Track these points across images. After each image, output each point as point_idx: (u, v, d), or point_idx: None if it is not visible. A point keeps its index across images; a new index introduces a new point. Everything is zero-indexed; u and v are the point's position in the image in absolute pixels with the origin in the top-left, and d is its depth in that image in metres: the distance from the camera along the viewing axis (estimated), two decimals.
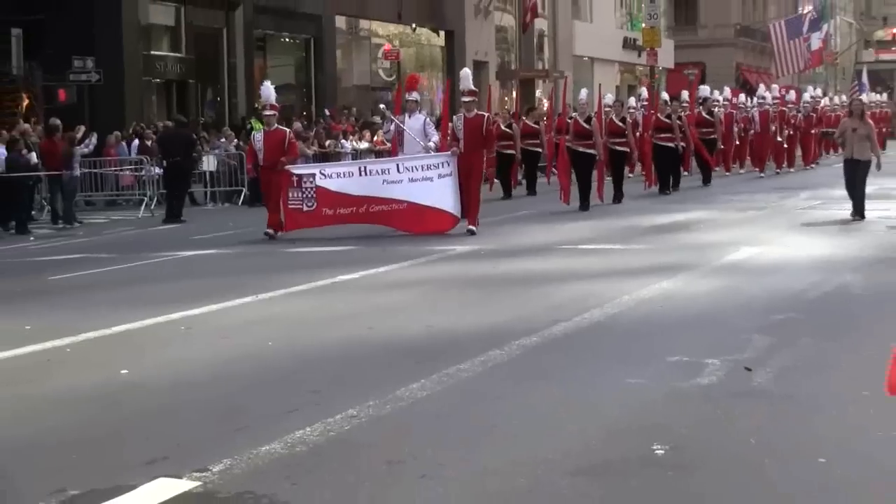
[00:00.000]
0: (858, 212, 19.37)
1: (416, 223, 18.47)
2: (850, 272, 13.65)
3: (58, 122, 25.35)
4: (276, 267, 15.35)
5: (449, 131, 19.92)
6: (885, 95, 56.89)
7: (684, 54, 65.36)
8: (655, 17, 57.07)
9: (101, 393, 8.43)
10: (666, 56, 61.20)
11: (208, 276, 14.90)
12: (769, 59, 70.22)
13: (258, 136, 19.69)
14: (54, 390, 8.57)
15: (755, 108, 35.82)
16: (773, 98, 36.84)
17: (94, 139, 26.79)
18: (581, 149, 23.36)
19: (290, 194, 18.66)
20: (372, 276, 14.33)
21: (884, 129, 47.61)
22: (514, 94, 46.75)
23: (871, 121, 20.84)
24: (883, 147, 46.07)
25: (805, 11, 72.64)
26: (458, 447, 6.86)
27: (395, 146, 20.56)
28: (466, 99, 19.31)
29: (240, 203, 27.99)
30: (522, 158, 29.12)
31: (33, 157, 24.30)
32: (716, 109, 33.17)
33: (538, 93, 48.92)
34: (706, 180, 30.48)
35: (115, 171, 28.26)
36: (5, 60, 30.17)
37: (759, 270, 14.10)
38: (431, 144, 19.18)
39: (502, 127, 28.49)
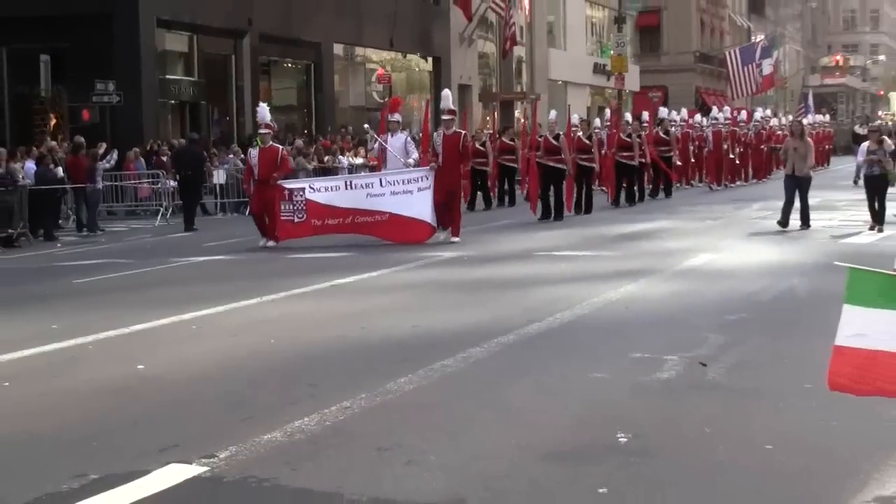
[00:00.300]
0: (805, 222, 19.50)
1: (396, 233, 18.34)
2: (797, 276, 13.69)
3: (82, 140, 25.30)
4: (279, 272, 15.33)
5: (429, 148, 19.97)
6: (827, 116, 56.80)
7: (649, 78, 65.44)
8: (623, 45, 57.12)
9: (120, 386, 8.42)
10: (632, 80, 61.23)
11: (217, 280, 14.87)
12: (725, 83, 70.31)
13: (254, 153, 19.55)
14: (77, 384, 8.56)
15: (709, 128, 35.66)
16: (726, 118, 36.69)
17: (114, 155, 26.75)
18: (551, 163, 23.30)
19: (282, 207, 18.60)
20: (365, 280, 14.32)
21: (827, 147, 47.69)
22: (496, 114, 46.73)
23: (810, 140, 20.99)
24: (826, 163, 46.23)
25: (757, 40, 72.80)
26: (441, 435, 6.86)
27: (381, 162, 20.42)
28: (446, 117, 19.22)
29: (247, 213, 27.87)
30: (500, 173, 28.96)
31: (59, 171, 24.25)
32: (672, 129, 32.95)
33: (517, 113, 48.93)
34: (668, 193, 30.39)
35: (134, 183, 28.21)
36: (35, 84, 30.12)
37: (715, 275, 14.12)
38: (411, 161, 19.05)
39: (476, 145, 28.18)
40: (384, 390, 7.93)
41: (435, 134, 19.57)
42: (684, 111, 37.84)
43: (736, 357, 9.03)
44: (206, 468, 6.24)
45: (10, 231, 21.87)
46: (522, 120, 33.37)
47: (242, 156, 29.23)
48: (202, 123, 33.80)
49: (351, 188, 18.85)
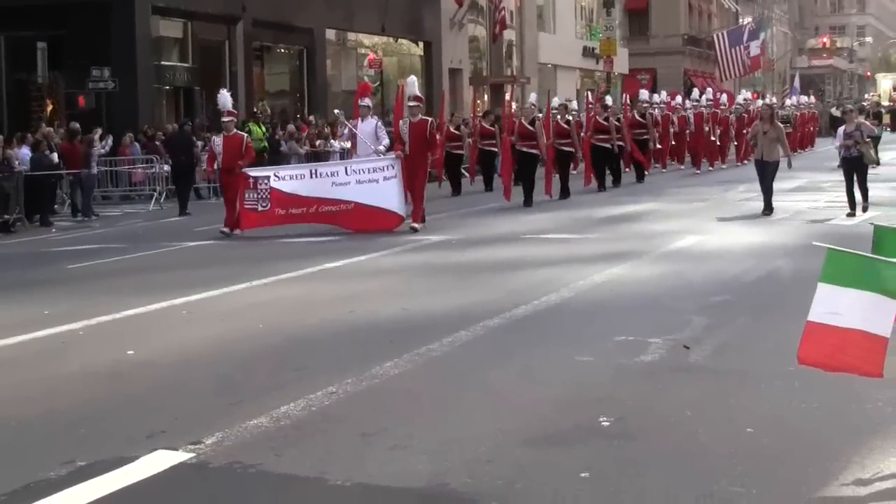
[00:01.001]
0: (767, 207, 18.99)
1: (362, 222, 17.77)
2: (782, 258, 13.64)
3: (77, 126, 25.19)
4: (269, 256, 15.26)
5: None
6: (813, 98, 56.53)
7: (638, 61, 65.26)
8: (612, 29, 57.02)
9: (110, 372, 8.38)
10: (621, 63, 61.09)
11: (209, 265, 14.80)
12: (713, 65, 70.23)
13: (217, 141, 18.85)
14: (68, 370, 8.52)
15: (690, 110, 34.87)
16: (708, 100, 36.14)
17: (109, 140, 26.65)
18: (525, 149, 22.67)
19: (246, 195, 17.99)
20: (354, 265, 14.26)
21: (812, 129, 47.48)
22: (486, 97, 46.59)
23: (780, 124, 20.28)
24: (812, 144, 46.10)
25: (745, 22, 72.67)
26: (426, 420, 6.83)
27: (352, 148, 19.77)
28: (412, 104, 18.56)
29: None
30: (480, 157, 28.21)
31: (55, 157, 24.13)
32: (654, 111, 32.36)
33: (507, 96, 48.82)
34: (639, 178, 29.34)
35: (129, 168, 28.09)
36: (32, 70, 29.99)
37: (700, 257, 14.07)
38: (382, 147, 18.30)
39: (451, 129, 27.90)
40: (370, 374, 7.90)
41: (401, 122, 18.82)
42: (664, 93, 37.31)
43: (719, 339, 9.00)
44: (192, 454, 6.21)
45: (6, 217, 21.79)
46: (513, 104, 32.92)
47: None
48: (196, 109, 33.65)
49: (316, 177, 18.25)
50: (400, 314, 10.35)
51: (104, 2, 30.00)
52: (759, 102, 43.81)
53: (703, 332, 9.20)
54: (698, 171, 32.34)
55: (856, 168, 18.40)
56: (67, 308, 11.28)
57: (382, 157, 18.13)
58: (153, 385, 7.94)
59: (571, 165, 25.45)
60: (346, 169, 18.33)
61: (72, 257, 16.07)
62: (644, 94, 35.34)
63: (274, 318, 10.41)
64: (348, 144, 21.31)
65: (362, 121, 18.69)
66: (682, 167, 34.27)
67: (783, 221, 17.92)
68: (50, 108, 31.20)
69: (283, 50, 38.92)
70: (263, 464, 6.03)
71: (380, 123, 18.93)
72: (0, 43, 31.59)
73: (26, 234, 21.15)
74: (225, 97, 19.37)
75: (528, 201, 22.15)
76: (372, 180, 17.90)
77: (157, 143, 28.31)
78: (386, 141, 18.40)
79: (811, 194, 22.64)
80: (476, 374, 8.00)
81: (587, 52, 58.59)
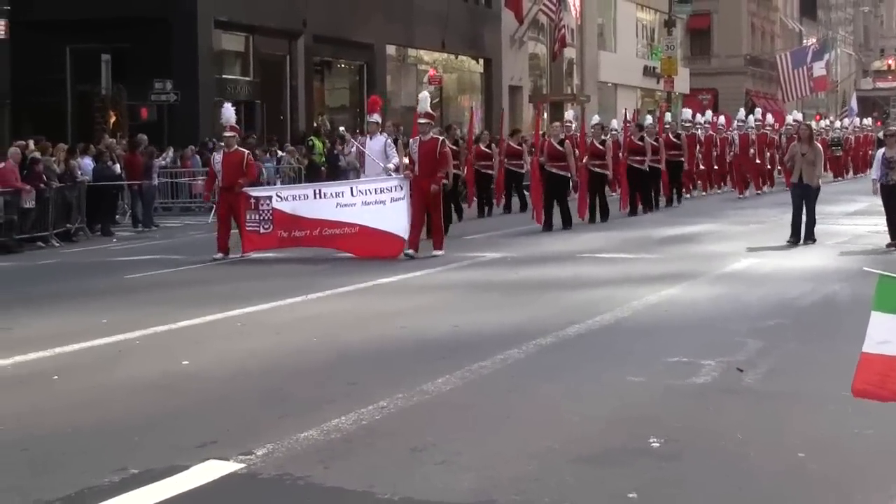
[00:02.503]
0: (809, 237, 17.77)
1: (365, 248, 16.63)
2: (838, 282, 13.53)
3: (144, 137, 25.56)
4: (324, 270, 15.35)
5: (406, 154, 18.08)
6: (869, 120, 55.03)
7: (699, 81, 65.03)
8: (673, 48, 56.83)
9: (164, 382, 8.49)
10: (682, 82, 60.88)
11: (265, 277, 14.92)
12: (776, 85, 69.78)
13: (217, 157, 17.75)
14: (123, 378, 8.64)
15: (735, 131, 33.30)
16: (756, 121, 34.67)
17: (170, 153, 26.99)
18: (554, 170, 21.47)
19: (248, 216, 17.10)
20: (408, 280, 14.32)
21: (869, 151, 46.81)
22: (546, 115, 46.62)
23: (819, 145, 19.13)
24: (869, 167, 45.29)
25: (809, 43, 72.15)
26: (474, 436, 6.85)
27: (361, 167, 18.69)
28: (423, 121, 17.42)
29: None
30: (506, 178, 27.09)
31: (117, 168, 24.48)
32: (697, 132, 31.21)
33: (567, 114, 48.79)
34: (668, 201, 28.00)
35: (189, 180, 28.40)
36: (96, 82, 30.43)
37: (756, 279, 14.00)
38: (391, 166, 17.17)
39: (482, 147, 26.93)
40: (421, 390, 7.94)
41: (411, 140, 17.72)
42: (709, 113, 35.87)
43: (772, 362, 8.95)
44: (242, 465, 6.27)
45: (68, 226, 22.12)
46: (573, 122, 32.26)
47: (297, 155, 29.42)
48: (257, 123, 33.98)
49: (320, 197, 17.17)
50: (452, 331, 10.39)
51: (167, 16, 30.42)
52: (813, 124, 42.95)
53: (756, 355, 9.15)
54: (742, 196, 31.14)
55: (894, 197, 16.95)
56: (125, 317, 11.43)
57: (390, 177, 17.10)
58: (206, 395, 8.03)
59: (608, 188, 24.60)
60: (351, 189, 17.35)
61: (131, 267, 16.27)
62: (686, 113, 34.29)
63: (327, 332, 10.49)
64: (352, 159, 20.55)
65: (371, 138, 17.78)
66: (720, 191, 32.99)
67: (841, 245, 17.75)
68: (113, 119, 31.62)
69: (343, 65, 39.22)
70: (312, 476, 6.08)
71: (389, 141, 17.91)
72: (66, 55, 32.13)
73: (88, 244, 21.44)
74: (229, 111, 18.33)
75: (566, 224, 21.40)
76: (379, 202, 16.88)
77: None
78: (395, 159, 17.39)
79: (871, 218, 22.35)
80: (526, 391, 8.03)
81: (648, 72, 58.47)
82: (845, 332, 10.26)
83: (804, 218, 17.77)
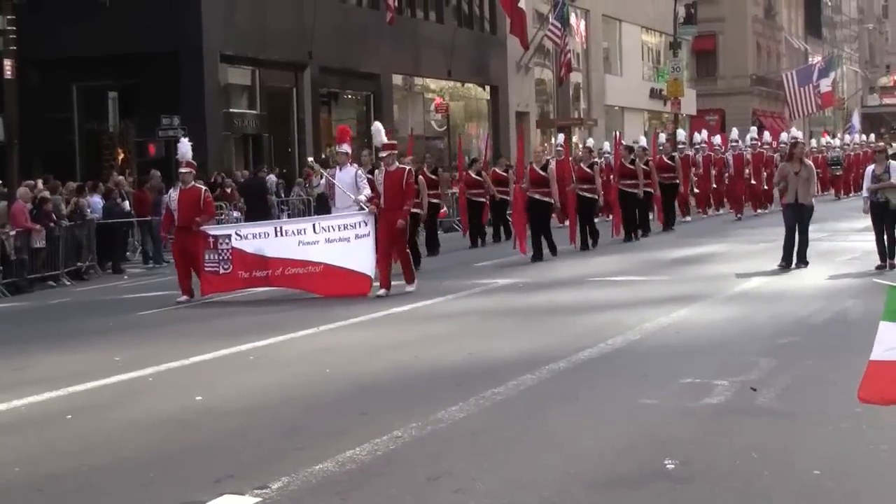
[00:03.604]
0: (802, 259, 16.81)
1: (330, 286, 15.81)
2: (850, 299, 13.53)
3: (157, 173, 25.68)
4: (336, 301, 15.31)
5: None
6: (871, 136, 54.30)
7: (706, 102, 65.13)
8: (679, 70, 56.91)
9: (178, 417, 8.52)
10: (689, 104, 60.95)
11: (276, 310, 14.96)
12: (783, 104, 69.84)
13: (173, 195, 16.93)
14: (137, 416, 8.67)
15: (729, 152, 32.13)
16: (752, 139, 33.17)
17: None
18: (537, 196, 20.30)
19: (207, 256, 16.18)
20: (421, 308, 14.35)
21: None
22: (553, 140, 46.66)
23: (811, 163, 18.12)
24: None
25: (815, 61, 72.24)
26: (490, 463, 6.87)
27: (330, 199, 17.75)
28: (384, 154, 16.37)
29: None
30: (492, 206, 25.93)
31: (126, 205, 24.60)
32: (690, 152, 30.33)
33: (574, 139, 48.90)
34: (665, 226, 26.90)
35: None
36: (103, 120, 30.59)
37: (767, 298, 14.01)
38: (363, 198, 16.20)
39: (472, 175, 25.88)
40: (435, 418, 7.96)
41: (376, 172, 16.84)
42: (704, 133, 34.71)
43: (786, 381, 8.96)
44: (258, 499, 6.29)
45: (79, 264, 22.21)
46: (580, 146, 32.01)
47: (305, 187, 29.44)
48: (265, 156, 34.10)
49: (281, 235, 16.34)
50: (465, 358, 10.41)
51: (173, 51, 30.59)
52: (825, 141, 42.12)
53: (769, 375, 9.16)
54: (739, 217, 30.00)
55: (885, 215, 16.25)
56: (138, 354, 11.48)
57: (354, 213, 16.25)
58: (220, 430, 8.06)
59: (598, 213, 23.70)
60: (314, 226, 16.42)
61: (142, 304, 16.33)
62: (681, 133, 33.03)
63: (340, 363, 10.51)
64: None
65: (340, 169, 16.83)
66: (719, 213, 32.00)
67: (852, 262, 17.72)
68: (121, 156, 31.80)
69: (350, 96, 39.37)
70: None
71: (360, 172, 16.85)
72: (73, 93, 32.30)
73: (99, 281, 21.54)
74: (185, 146, 17.36)
75: (552, 250, 20.48)
76: (343, 239, 16.06)
77: (227, 189, 28.73)
78: (367, 191, 16.34)
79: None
80: (541, 417, 8.04)
81: (654, 94, 58.58)
82: (858, 348, 10.19)
83: (797, 240, 16.81)
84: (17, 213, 20.63)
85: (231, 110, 33.32)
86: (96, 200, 24.09)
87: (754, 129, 36.87)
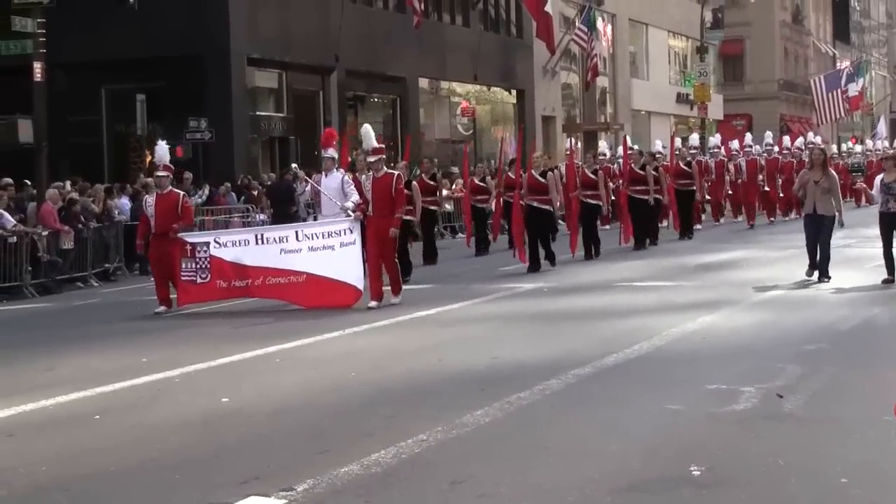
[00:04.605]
0: (824, 274, 15.95)
1: (315, 297, 15.10)
2: (878, 306, 13.48)
3: (189, 175, 25.79)
4: (362, 305, 15.32)
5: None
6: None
7: (733, 107, 64.91)
8: (706, 75, 56.73)
9: (204, 419, 8.56)
10: (716, 109, 60.75)
11: (302, 313, 14.91)
12: (810, 109, 69.53)
13: (149, 200, 16.24)
14: (163, 417, 8.71)
15: (742, 157, 31.11)
16: (767, 145, 32.33)
17: (206, 190, 27.23)
18: (535, 204, 19.21)
19: (184, 265, 15.49)
20: (446, 312, 14.34)
21: None
22: (579, 144, 46.63)
23: (833, 171, 17.04)
24: None
25: (843, 66, 71.89)
26: (514, 468, 6.86)
27: (316, 207, 17.10)
28: (371, 159, 15.51)
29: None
30: (475, 215, 24.24)
31: None
32: (703, 158, 29.47)
33: (600, 143, 48.85)
34: (682, 234, 25.88)
35: (225, 218, 28.58)
36: (131, 122, 30.73)
37: (794, 304, 13.95)
38: (350, 204, 15.44)
39: (476, 181, 24.79)
40: (460, 423, 7.95)
41: (364, 177, 16.08)
42: (718, 136, 33.67)
43: (813, 388, 8.91)
44: (283, 501, 6.31)
45: (106, 265, 22.33)
46: (607, 151, 31.31)
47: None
48: (291, 158, 34.19)
49: (262, 243, 15.60)
50: (490, 362, 10.41)
51: (200, 54, 30.72)
52: (845, 147, 41.18)
53: (796, 381, 9.12)
54: (751, 226, 28.92)
55: (893, 226, 15.51)
56: (164, 356, 11.55)
57: (340, 220, 15.50)
58: (246, 432, 8.08)
59: (600, 221, 22.92)
60: (296, 234, 15.74)
61: None
62: (694, 138, 32.12)
63: (365, 366, 10.54)
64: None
65: (326, 175, 16.09)
66: (736, 220, 31.09)
67: (880, 269, 17.56)
68: (149, 158, 31.91)
69: (376, 99, 39.44)
70: None
71: (346, 178, 16.14)
72: (101, 96, 32.48)
73: (126, 283, 21.65)
74: (163, 149, 16.62)
75: (551, 260, 19.37)
76: (327, 247, 15.31)
77: (254, 192, 28.84)
78: (355, 197, 15.61)
79: None
80: (566, 422, 8.03)
81: (681, 99, 58.43)
82: (886, 355, 10.26)
83: (818, 252, 16.03)
84: (46, 215, 20.78)
85: (258, 113, 33.42)
86: (124, 202, 24.21)
87: (769, 133, 36.09)
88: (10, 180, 22.79)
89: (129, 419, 8.70)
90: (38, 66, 22.66)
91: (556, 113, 47.96)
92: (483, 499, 6.25)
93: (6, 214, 20.25)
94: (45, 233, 20.46)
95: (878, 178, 16.13)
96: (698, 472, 6.61)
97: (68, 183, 23.63)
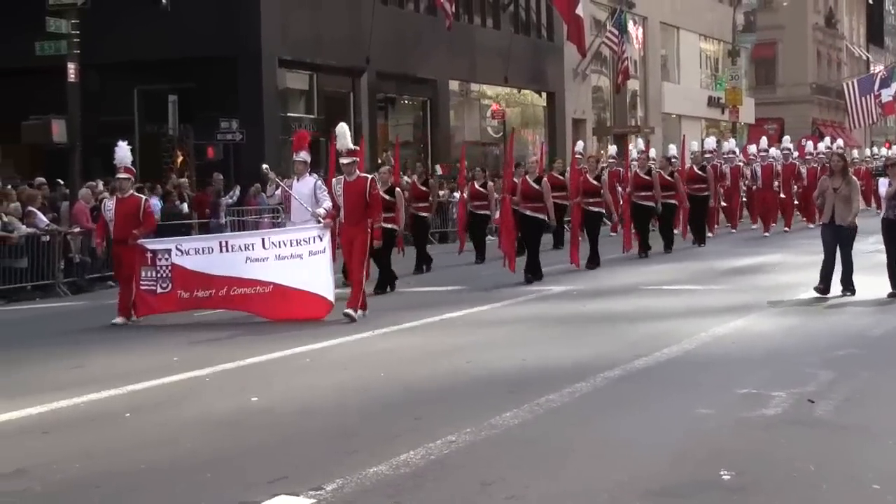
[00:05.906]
0: (848, 286, 15.09)
1: (282, 309, 14.29)
2: None
3: (220, 176, 25.87)
4: (392, 306, 15.36)
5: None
6: None
7: (764, 110, 64.59)
8: (737, 78, 56.52)
9: (234, 418, 8.59)
10: (747, 112, 60.49)
11: (332, 313, 14.95)
12: (843, 114, 69.12)
13: (109, 204, 15.37)
14: (193, 415, 8.75)
15: (758, 163, 30.03)
16: (784, 150, 30.78)
17: (237, 191, 27.33)
18: (528, 212, 18.10)
19: (143, 273, 14.72)
20: (474, 314, 14.34)
21: None
22: (609, 148, 46.51)
23: (855, 178, 16.05)
24: None
25: (876, 71, 71.42)
26: (543, 470, 6.86)
27: (287, 212, 16.37)
28: (346, 161, 14.74)
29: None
30: (471, 222, 23.24)
31: (185, 207, 24.82)
32: (718, 163, 28.61)
33: (630, 147, 48.74)
34: (697, 241, 24.90)
35: (255, 218, 28.66)
36: (163, 123, 30.87)
37: (826, 309, 13.89)
38: (322, 211, 14.69)
39: (476, 187, 23.15)
40: (489, 424, 7.95)
41: (335, 181, 15.09)
42: (732, 141, 32.99)
43: (844, 393, 8.87)
44: (313, 500, 6.33)
45: None
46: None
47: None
48: (322, 161, 34.27)
49: (227, 250, 14.80)
50: (519, 364, 10.40)
51: (232, 56, 30.85)
52: (883, 151, 40.69)
53: (827, 387, 9.07)
54: (766, 234, 27.77)
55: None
56: (195, 355, 11.59)
57: (310, 226, 14.78)
58: (275, 431, 8.11)
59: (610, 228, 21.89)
60: (263, 241, 14.91)
61: None
62: (709, 142, 31.00)
63: (394, 367, 10.55)
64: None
65: (298, 180, 15.35)
66: (754, 226, 29.69)
67: None
68: (180, 159, 32.09)
69: (407, 101, 39.48)
70: None
71: (319, 183, 15.39)
72: (133, 96, 32.68)
73: None
74: (123, 150, 15.67)
75: (530, 276, 17.87)
76: (295, 255, 14.55)
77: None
78: (327, 203, 14.72)
79: None
80: (595, 425, 8.02)
81: (712, 102, 58.20)
82: None
83: (840, 265, 15.18)
84: (79, 214, 20.91)
85: (289, 114, 33.52)
86: (155, 202, 24.30)
87: (787, 138, 35.11)
88: (43, 180, 23.03)
89: (159, 417, 8.74)
90: (72, 67, 22.83)
91: (586, 116, 47.88)
92: (512, 501, 6.25)
93: (39, 213, 20.43)
94: (76, 230, 20.60)
95: (881, 182, 15.70)
96: (728, 477, 6.58)
97: (101, 182, 23.76)
